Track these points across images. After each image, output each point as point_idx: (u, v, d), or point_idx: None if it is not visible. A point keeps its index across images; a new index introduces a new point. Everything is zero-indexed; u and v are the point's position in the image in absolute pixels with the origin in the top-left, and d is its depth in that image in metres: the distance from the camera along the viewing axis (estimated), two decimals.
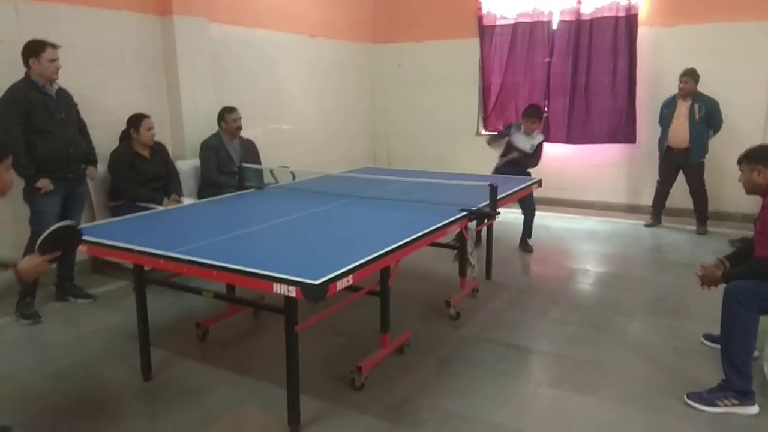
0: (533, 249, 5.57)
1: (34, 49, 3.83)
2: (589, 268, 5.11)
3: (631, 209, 7.16)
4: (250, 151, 5.47)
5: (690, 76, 6.03)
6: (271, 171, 4.82)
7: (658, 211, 6.52)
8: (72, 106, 4.14)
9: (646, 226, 6.51)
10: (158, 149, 4.76)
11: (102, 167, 4.54)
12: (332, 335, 3.67)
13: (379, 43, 8.55)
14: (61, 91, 4.05)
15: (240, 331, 3.81)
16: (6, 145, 2.49)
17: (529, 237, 5.63)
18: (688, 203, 6.35)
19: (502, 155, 5.58)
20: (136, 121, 4.56)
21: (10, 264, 2.23)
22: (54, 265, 2.35)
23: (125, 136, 4.63)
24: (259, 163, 5.44)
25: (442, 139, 8.17)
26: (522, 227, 5.62)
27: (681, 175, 6.31)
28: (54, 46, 3.88)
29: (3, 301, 4.05)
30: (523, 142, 5.48)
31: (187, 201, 4.64)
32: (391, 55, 8.53)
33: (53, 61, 3.87)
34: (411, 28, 8.28)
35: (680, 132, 6.09)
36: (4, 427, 2.73)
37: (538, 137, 5.52)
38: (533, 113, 5.49)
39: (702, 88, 6.06)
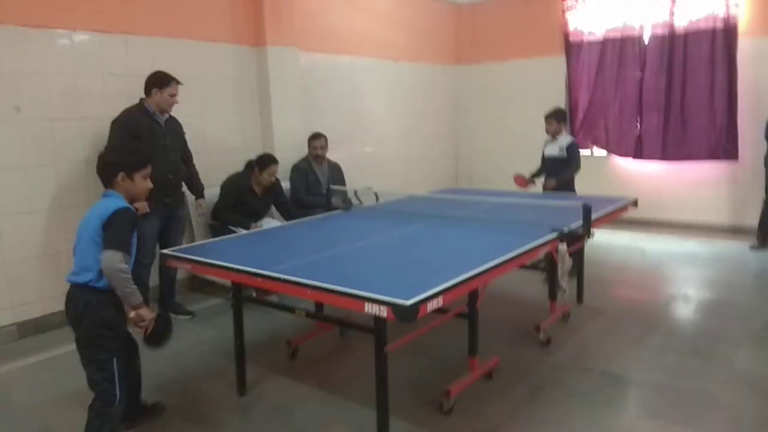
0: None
1: (161, 81, 4.13)
2: (689, 294, 4.81)
3: (734, 231, 6.70)
4: (337, 173, 5.62)
5: None
6: (356, 192, 4.92)
7: (765, 233, 6.06)
8: (179, 134, 4.41)
9: (752, 248, 6.07)
10: (273, 188, 4.90)
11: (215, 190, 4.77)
12: (419, 357, 3.65)
13: (461, 64, 8.57)
14: (171, 120, 4.32)
15: (328, 350, 3.87)
16: (147, 156, 2.73)
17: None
18: None
19: (534, 174, 5.51)
20: (264, 163, 4.73)
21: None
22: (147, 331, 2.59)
23: (249, 167, 4.82)
24: (345, 184, 5.57)
25: (525, 158, 7.94)
26: None
27: None
28: (178, 83, 4.19)
29: None
30: (551, 148, 5.32)
31: (267, 224, 4.75)
32: (474, 75, 8.53)
33: (173, 96, 4.17)
34: (494, 47, 8.26)
35: None
36: (157, 403, 3.03)
37: (566, 139, 5.29)
38: (548, 114, 5.34)
39: None
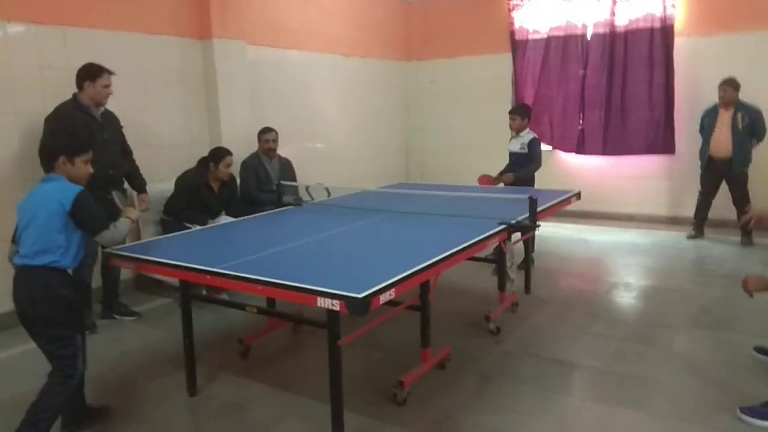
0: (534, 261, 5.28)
1: (91, 73, 3.96)
2: (630, 282, 5.00)
3: (673, 221, 7.01)
4: (288, 169, 5.56)
5: (729, 84, 5.91)
6: (307, 188, 4.89)
7: (700, 223, 6.37)
8: (117, 129, 4.25)
9: (689, 238, 6.36)
10: (229, 184, 4.84)
11: (150, 186, 4.62)
12: (372, 350, 3.67)
13: (411, 60, 8.63)
14: (107, 113, 4.16)
15: (280, 347, 3.84)
16: (88, 141, 2.89)
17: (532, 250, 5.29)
18: (731, 214, 6.18)
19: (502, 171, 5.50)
20: (218, 156, 4.65)
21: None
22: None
23: (203, 163, 4.72)
24: (296, 180, 5.52)
25: (475, 153, 8.14)
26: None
27: (723, 186, 6.15)
28: (110, 73, 4.03)
29: None
30: (513, 144, 5.41)
31: (223, 220, 4.70)
32: (424, 72, 8.60)
33: (107, 86, 4.01)
34: (444, 44, 8.35)
35: (722, 141, 5.96)
36: (103, 406, 3.00)
37: (527, 136, 5.35)
38: (512, 109, 5.45)
39: (743, 97, 5.93)
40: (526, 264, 4.84)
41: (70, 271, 2.60)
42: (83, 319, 2.72)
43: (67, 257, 2.54)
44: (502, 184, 5.28)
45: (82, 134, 3.86)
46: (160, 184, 4.81)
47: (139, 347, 3.91)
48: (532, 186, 5.30)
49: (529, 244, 4.87)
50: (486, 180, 5.47)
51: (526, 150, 5.31)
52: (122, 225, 2.75)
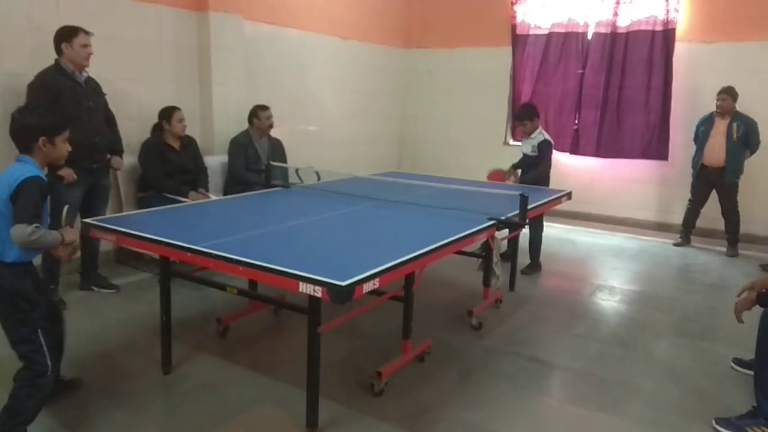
0: (541, 267, 5.31)
1: (66, 34, 3.85)
2: (615, 285, 5.00)
3: (661, 227, 7.02)
4: (278, 150, 5.48)
5: (728, 93, 5.89)
6: (297, 171, 4.82)
7: (688, 231, 6.38)
8: (100, 95, 4.15)
9: (675, 245, 6.37)
10: (188, 142, 4.80)
11: (133, 158, 4.58)
12: (353, 339, 3.63)
13: (410, 48, 8.54)
14: (90, 80, 4.06)
15: (260, 330, 3.79)
16: (66, 118, 2.58)
17: (537, 256, 5.27)
18: (719, 224, 6.21)
19: (514, 165, 5.42)
20: (168, 113, 4.61)
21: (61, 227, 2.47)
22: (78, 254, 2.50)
23: (157, 128, 4.67)
24: (286, 162, 5.45)
25: (469, 146, 8.11)
26: (528, 248, 5.21)
27: (713, 195, 6.16)
28: (87, 33, 3.90)
29: None
30: (526, 145, 5.26)
31: (213, 196, 4.66)
32: (422, 60, 8.52)
33: (85, 46, 3.88)
34: (443, 34, 8.26)
35: (716, 150, 5.95)
36: (74, 379, 2.89)
37: (538, 137, 5.13)
38: (517, 115, 5.29)
39: (741, 107, 5.91)
40: (513, 262, 4.80)
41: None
42: (44, 312, 2.45)
43: (12, 249, 2.28)
44: (512, 179, 5.19)
45: (68, 102, 3.80)
46: None
47: (116, 321, 3.84)
48: (547, 186, 5.13)
49: (517, 241, 4.84)
50: (497, 176, 5.36)
51: (536, 152, 5.14)
52: (47, 236, 2.30)
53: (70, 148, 2.53)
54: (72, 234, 2.44)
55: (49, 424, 2.64)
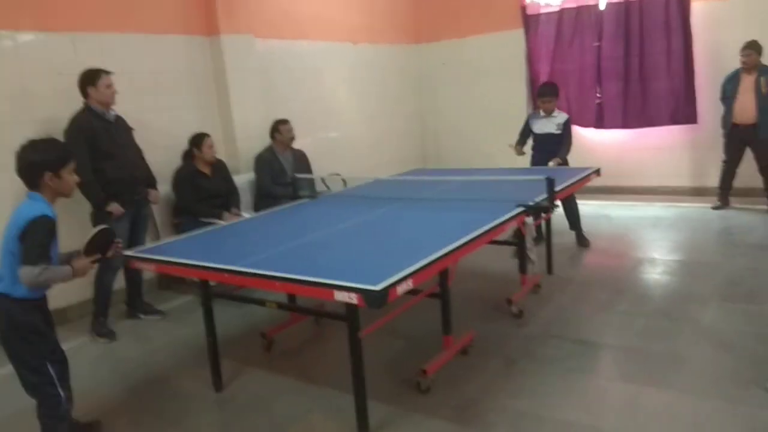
0: (589, 242, 5.35)
1: (90, 78, 4.01)
2: (655, 257, 4.91)
3: (697, 192, 6.85)
4: (302, 161, 5.56)
5: (752, 48, 5.72)
6: (323, 179, 4.88)
7: (725, 193, 6.22)
8: (129, 130, 4.31)
9: (714, 208, 6.22)
10: (219, 166, 4.91)
11: (166, 187, 4.70)
12: (395, 339, 3.67)
13: (421, 42, 8.53)
14: (119, 118, 4.21)
15: (303, 340, 3.86)
16: (70, 150, 2.61)
17: (580, 230, 5.37)
18: (757, 182, 6.02)
19: (518, 143, 5.41)
20: (198, 140, 4.73)
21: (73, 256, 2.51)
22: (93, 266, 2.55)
23: (188, 155, 4.79)
24: (311, 172, 5.51)
25: (491, 134, 8.01)
26: (568, 222, 5.33)
27: (748, 153, 5.99)
28: (107, 73, 4.06)
29: (80, 321, 4.28)
30: (548, 125, 5.26)
31: (245, 215, 4.75)
32: (434, 53, 8.49)
33: (109, 86, 4.05)
34: (453, 24, 8.22)
35: (747, 107, 5.78)
36: (93, 421, 2.92)
37: (562, 116, 5.26)
38: (545, 91, 5.30)
39: (766, 60, 5.73)
40: (548, 245, 4.76)
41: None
42: (54, 347, 2.51)
43: (21, 286, 2.32)
44: (553, 163, 5.15)
45: (105, 142, 3.99)
46: None
47: (164, 345, 3.96)
48: (568, 165, 5.18)
49: (550, 224, 4.80)
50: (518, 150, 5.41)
51: (560, 131, 5.20)
52: (56, 274, 2.35)
53: (78, 179, 2.55)
54: (83, 264, 2.45)
55: None
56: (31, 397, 2.47)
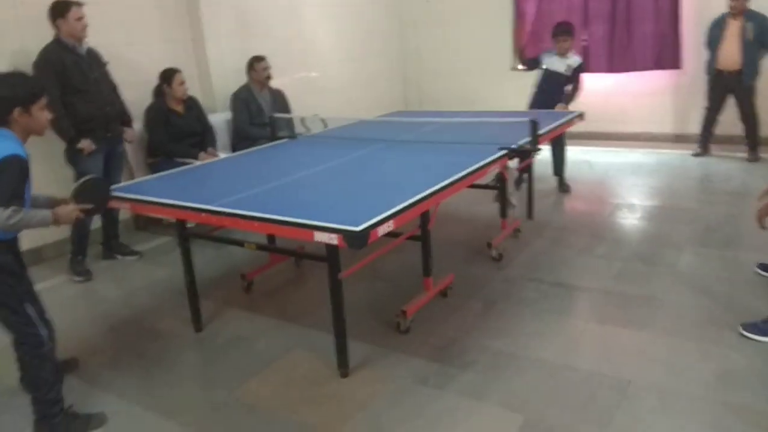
0: (570, 188, 5.36)
1: (60, 10, 3.81)
2: (635, 202, 4.95)
3: (678, 139, 6.86)
4: (280, 101, 5.40)
5: None
6: (302, 120, 4.77)
7: (706, 140, 6.24)
8: (102, 64, 4.13)
9: (694, 155, 6.25)
10: (192, 104, 4.75)
11: (138, 125, 4.56)
12: (375, 281, 3.68)
13: None
14: (91, 51, 4.03)
15: (283, 281, 3.85)
16: (41, 85, 2.45)
17: (563, 176, 5.36)
18: (737, 129, 6.04)
19: (538, 85, 5.27)
20: (168, 76, 4.55)
21: (53, 204, 2.41)
22: (83, 216, 2.45)
23: (158, 92, 4.62)
24: (290, 112, 5.38)
25: (475, 76, 7.90)
26: (552, 167, 5.33)
27: (730, 101, 5.98)
28: (79, 4, 3.85)
29: (56, 260, 4.21)
30: (558, 63, 5.12)
31: (222, 154, 4.64)
32: None
33: (80, 19, 3.85)
34: None
35: (731, 53, 5.72)
36: (70, 359, 2.90)
37: (575, 59, 5.11)
38: (563, 30, 5.11)
39: (755, 5, 5.63)
40: (529, 190, 4.76)
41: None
42: (31, 288, 2.43)
43: None
44: (560, 106, 5.04)
45: (76, 76, 3.83)
46: None
47: (142, 286, 3.93)
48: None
49: (531, 169, 4.78)
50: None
51: (569, 73, 5.07)
52: (30, 218, 2.21)
53: (50, 116, 2.42)
54: (66, 214, 2.35)
55: (86, 388, 2.76)
56: (9, 332, 2.39)
